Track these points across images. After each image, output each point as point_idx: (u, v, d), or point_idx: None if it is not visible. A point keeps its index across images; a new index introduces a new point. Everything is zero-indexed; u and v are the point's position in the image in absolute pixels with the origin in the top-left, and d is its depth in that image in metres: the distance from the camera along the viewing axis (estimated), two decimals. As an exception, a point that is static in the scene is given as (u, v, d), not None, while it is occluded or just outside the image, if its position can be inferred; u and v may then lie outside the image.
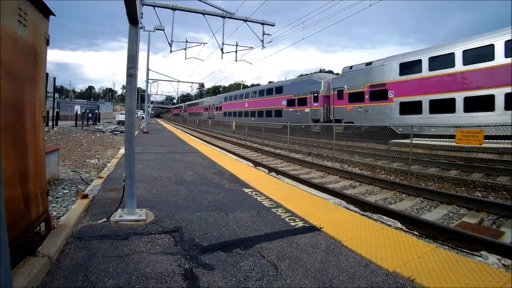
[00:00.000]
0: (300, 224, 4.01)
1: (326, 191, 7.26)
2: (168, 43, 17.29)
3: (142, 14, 15.91)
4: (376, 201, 7.52)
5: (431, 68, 17.61)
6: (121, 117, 37.25)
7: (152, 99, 69.93)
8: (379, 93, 20.72)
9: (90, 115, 32.06)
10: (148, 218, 4.00)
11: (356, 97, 22.54)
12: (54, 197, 5.47)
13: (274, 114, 33.53)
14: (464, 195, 7.74)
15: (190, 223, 3.94)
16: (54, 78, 19.12)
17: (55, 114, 21.27)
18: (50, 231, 3.34)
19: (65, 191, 5.94)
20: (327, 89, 26.17)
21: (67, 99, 66.19)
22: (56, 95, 25.26)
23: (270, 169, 11.02)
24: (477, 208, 6.78)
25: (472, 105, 15.54)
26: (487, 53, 15.01)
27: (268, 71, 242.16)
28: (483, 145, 9.76)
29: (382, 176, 10.61)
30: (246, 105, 41.10)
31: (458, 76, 16.23)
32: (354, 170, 11.45)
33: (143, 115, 36.85)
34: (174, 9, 14.44)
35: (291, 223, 4.03)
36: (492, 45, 14.79)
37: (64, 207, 4.94)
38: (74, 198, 5.39)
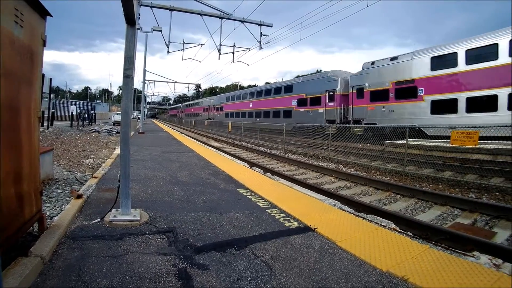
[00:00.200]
0: (295, 224, 4.02)
1: (321, 192, 7.29)
2: (166, 44, 17.30)
3: (139, 14, 15.95)
4: (370, 202, 7.54)
5: (469, 62, 15.76)
6: (117, 118, 37.12)
7: (148, 99, 69.80)
8: (407, 91, 18.90)
9: (85, 115, 31.94)
10: (143, 218, 3.99)
11: (379, 96, 20.72)
12: (48, 197, 5.44)
13: (283, 114, 31.52)
14: (458, 196, 7.78)
15: (185, 224, 3.93)
16: (50, 79, 19.11)
17: (50, 115, 21.19)
18: (43, 231, 3.32)
19: (59, 191, 5.92)
20: (344, 87, 24.28)
21: (63, 99, 65.93)
22: (52, 95, 25.20)
23: (266, 170, 11.04)
24: (471, 209, 6.81)
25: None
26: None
27: (265, 72, 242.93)
28: (477, 146, 9.82)
29: (377, 177, 10.64)
30: (251, 105, 39.19)
31: (502, 70, 14.30)
32: (349, 171, 11.47)
33: (139, 116, 36.74)
34: (171, 9, 14.46)
35: (285, 224, 4.03)
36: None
37: (58, 207, 4.92)
38: (68, 198, 5.36)
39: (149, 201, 4.90)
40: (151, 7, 14.07)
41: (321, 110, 25.97)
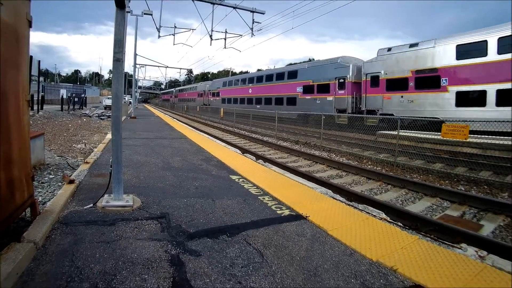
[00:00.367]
0: (287, 212, 4.06)
1: (313, 180, 7.34)
2: (156, 28, 17.09)
3: (130, -3, 15.67)
4: (362, 191, 7.62)
5: (501, 51, 14.27)
6: (108, 102, 36.62)
7: (139, 84, 68.89)
8: (429, 80, 17.31)
9: (76, 99, 31.46)
10: (135, 204, 3.99)
11: (397, 85, 19.06)
12: (40, 182, 5.40)
13: (286, 102, 29.42)
14: (448, 188, 7.90)
15: (177, 209, 3.96)
16: (39, 61, 18.63)
17: (40, 98, 20.82)
18: (36, 217, 3.31)
19: (51, 176, 5.87)
20: (356, 75, 22.29)
21: (52, 82, 64.90)
22: (41, 78, 24.66)
23: (258, 157, 11.07)
24: (460, 202, 6.92)
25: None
26: None
27: (257, 59, 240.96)
28: (467, 140, 9.94)
29: (369, 166, 10.73)
30: (250, 91, 36.63)
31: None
32: (341, 160, 11.55)
33: (131, 100, 36.29)
34: (163, -8, 14.21)
35: (277, 211, 4.07)
36: None
37: (50, 192, 4.89)
38: (60, 184, 5.33)
39: (142, 187, 4.91)
40: (143, -11, 13.82)
41: (330, 98, 24.08)
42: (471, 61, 15.44)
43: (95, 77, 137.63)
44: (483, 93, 14.97)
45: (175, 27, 18.90)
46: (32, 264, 2.52)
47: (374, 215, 4.16)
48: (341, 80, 22.99)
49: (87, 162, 6.49)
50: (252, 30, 17.03)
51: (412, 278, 2.59)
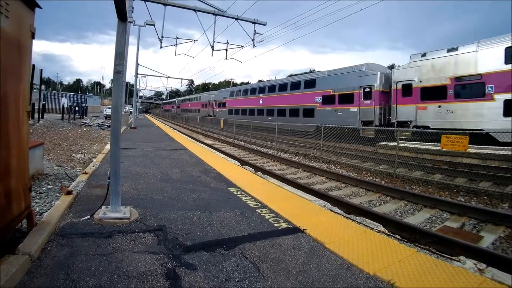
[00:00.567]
0: (284, 225, 4.05)
1: (311, 192, 7.32)
2: (159, 38, 17.21)
3: (132, 8, 15.87)
4: (360, 203, 7.61)
5: None
6: (109, 112, 36.59)
7: (141, 94, 69.10)
8: (471, 88, 15.89)
9: (77, 108, 31.60)
10: (132, 216, 3.98)
11: (433, 93, 17.44)
12: (38, 192, 5.39)
13: (302, 113, 27.35)
14: (448, 199, 7.89)
15: (174, 222, 3.94)
16: (41, 70, 18.80)
17: (41, 107, 20.93)
18: (32, 228, 3.30)
19: (49, 187, 5.86)
20: (384, 83, 20.60)
21: (54, 91, 65.15)
22: (43, 87, 24.81)
23: (257, 168, 11.05)
24: (459, 213, 6.90)
25: None
26: None
27: (258, 70, 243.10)
28: (467, 151, 9.96)
29: (368, 178, 10.72)
30: (261, 102, 34.27)
31: None
32: (340, 172, 11.54)
33: (132, 110, 36.36)
34: (165, 4, 14.38)
35: (275, 224, 4.06)
36: None
37: (47, 203, 4.87)
38: (58, 194, 5.32)
39: (140, 199, 4.90)
40: (145, 0, 13.98)
41: (353, 109, 22.22)
42: None
43: (97, 87, 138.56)
44: None
45: (177, 37, 19.06)
46: (25, 277, 2.50)
47: (372, 228, 4.14)
48: (367, 89, 21.22)
49: (85, 173, 6.48)
50: (254, 41, 17.20)
51: (409, 292, 2.57)
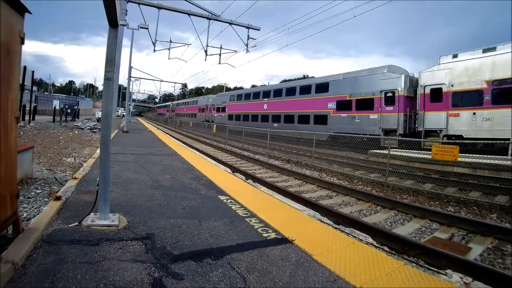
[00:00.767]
0: (273, 235, 4.05)
1: (301, 201, 7.36)
2: (152, 42, 17.27)
3: (126, 11, 15.87)
4: (351, 213, 7.65)
5: None
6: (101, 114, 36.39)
7: (133, 97, 68.77)
8: None
9: (69, 110, 31.30)
10: (121, 224, 3.96)
11: (467, 99, 15.92)
12: (26, 197, 5.34)
13: (313, 120, 25.30)
14: (437, 210, 7.93)
15: (163, 230, 3.93)
16: (33, 71, 18.59)
17: (32, 109, 20.73)
18: (18, 235, 3.27)
19: (38, 191, 5.81)
20: (408, 87, 18.95)
21: (46, 92, 64.64)
22: (35, 88, 24.60)
23: (248, 176, 11.05)
24: (449, 223, 6.96)
25: None
26: None
27: (252, 75, 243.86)
28: (457, 160, 10.08)
29: (359, 187, 10.77)
30: (266, 107, 31.92)
31: None
32: (332, 180, 11.58)
33: (124, 113, 36.13)
34: (159, 8, 14.46)
35: (263, 234, 4.06)
36: None
37: (35, 208, 4.83)
38: (46, 199, 5.27)
39: (129, 206, 4.87)
40: (139, 4, 14.03)
41: (373, 116, 20.29)
42: None
43: (89, 89, 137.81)
44: None
45: (171, 41, 19.14)
46: (7, 287, 2.48)
47: (361, 239, 4.17)
48: (390, 94, 19.40)
49: (75, 178, 6.43)
50: (247, 46, 17.33)
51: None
